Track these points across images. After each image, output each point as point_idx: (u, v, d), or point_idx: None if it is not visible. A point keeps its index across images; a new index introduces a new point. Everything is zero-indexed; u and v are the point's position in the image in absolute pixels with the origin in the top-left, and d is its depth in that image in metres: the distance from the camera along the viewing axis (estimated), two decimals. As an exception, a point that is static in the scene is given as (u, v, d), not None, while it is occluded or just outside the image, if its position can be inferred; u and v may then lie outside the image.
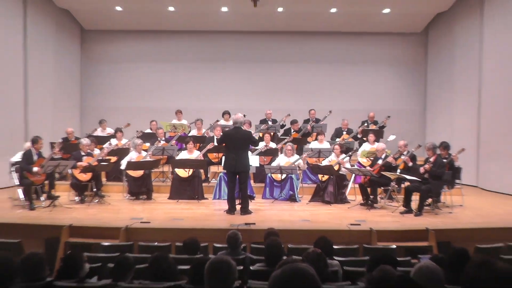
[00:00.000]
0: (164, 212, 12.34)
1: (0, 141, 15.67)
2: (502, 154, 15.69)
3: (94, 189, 13.59)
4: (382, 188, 13.52)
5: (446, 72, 19.67)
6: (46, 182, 13.12)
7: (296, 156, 14.68)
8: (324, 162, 14.30)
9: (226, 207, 12.17)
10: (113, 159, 14.98)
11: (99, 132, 17.38)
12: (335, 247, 7.80)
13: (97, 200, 13.48)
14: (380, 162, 13.13)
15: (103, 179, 14.84)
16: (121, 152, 15.11)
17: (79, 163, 13.33)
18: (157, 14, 20.53)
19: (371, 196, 13.16)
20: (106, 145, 15.20)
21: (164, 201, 13.85)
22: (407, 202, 12.29)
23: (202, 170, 14.86)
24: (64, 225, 10.30)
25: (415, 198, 12.29)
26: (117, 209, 12.74)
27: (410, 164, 12.78)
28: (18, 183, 13.10)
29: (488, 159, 16.52)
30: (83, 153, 13.70)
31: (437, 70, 20.68)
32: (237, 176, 11.97)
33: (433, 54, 21.24)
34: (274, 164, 14.52)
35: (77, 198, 13.62)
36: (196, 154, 14.57)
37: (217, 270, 4.67)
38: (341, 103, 20.84)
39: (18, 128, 16.98)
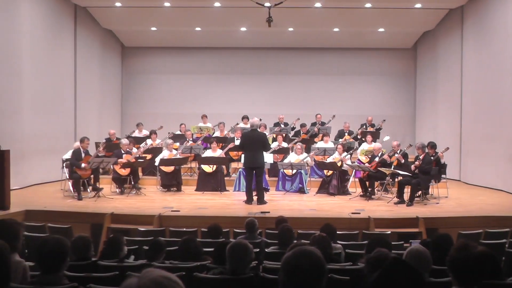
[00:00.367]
0: (191, 202, 12.37)
1: (54, 141, 15.74)
2: (480, 152, 15.57)
3: (132, 182, 13.64)
4: (379, 181, 13.49)
5: (432, 82, 19.54)
6: (92, 176, 13.16)
7: (305, 154, 14.64)
8: (329, 159, 14.26)
9: (244, 198, 12.16)
10: (148, 156, 15.01)
11: (136, 134, 17.41)
12: (338, 232, 7.77)
13: (134, 192, 13.51)
14: (377, 159, 13.09)
15: (140, 174, 14.85)
16: (155, 151, 15.12)
17: (119, 160, 13.38)
18: (186, 33, 20.56)
19: (369, 189, 13.11)
20: (142, 145, 15.23)
21: (192, 193, 13.85)
22: (400, 194, 12.24)
23: (224, 166, 14.87)
24: (107, 213, 10.36)
25: (407, 190, 12.24)
26: (151, 200, 12.78)
27: (403, 161, 12.74)
28: (68, 177, 13.20)
29: (469, 157, 16.40)
30: (123, 152, 13.75)
31: (424, 81, 20.55)
32: (254, 171, 11.97)
33: (421, 67, 21.10)
34: (286, 161, 14.49)
35: (117, 190, 13.68)
36: (219, 153, 14.57)
37: (237, 251, 4.67)
38: (343, 109, 20.73)
39: (68, 130, 17.04)
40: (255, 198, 12.00)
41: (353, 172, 14.49)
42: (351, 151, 14.65)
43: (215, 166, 14.06)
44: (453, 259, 3.23)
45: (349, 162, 13.96)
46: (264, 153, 12.34)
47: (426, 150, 12.25)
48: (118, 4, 17.19)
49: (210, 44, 21.61)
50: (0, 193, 10.40)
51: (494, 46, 14.85)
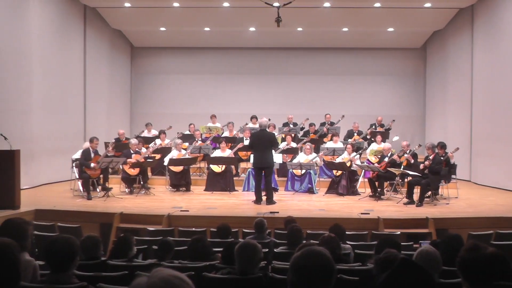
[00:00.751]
0: (200, 202, 12.37)
1: (63, 141, 15.80)
2: (490, 152, 15.49)
3: (141, 182, 13.67)
4: (388, 182, 13.44)
5: (442, 82, 19.47)
6: (101, 176, 13.21)
7: (314, 154, 14.62)
8: (338, 160, 14.23)
9: (253, 198, 12.16)
10: (158, 156, 15.05)
11: (145, 134, 17.45)
12: (347, 233, 7.75)
13: (143, 192, 13.54)
14: (386, 159, 13.07)
15: (149, 174, 14.89)
16: (164, 151, 15.15)
17: (129, 160, 13.42)
18: (195, 33, 20.60)
19: (379, 189, 13.07)
20: (151, 145, 15.26)
21: (201, 193, 13.87)
22: (409, 194, 12.19)
23: (233, 166, 14.90)
24: (116, 213, 10.37)
25: (417, 191, 12.18)
26: (160, 199, 12.80)
27: (412, 161, 12.69)
28: (78, 177, 13.23)
29: (479, 157, 16.32)
30: (132, 151, 13.78)
31: (434, 80, 20.48)
32: (263, 171, 11.96)
33: (431, 67, 21.03)
34: (295, 161, 14.47)
35: (127, 190, 13.71)
36: (228, 152, 14.58)
37: (245, 251, 4.67)
38: (352, 109, 20.71)
39: (78, 130, 17.13)
40: (264, 198, 12.00)
41: (363, 172, 14.45)
42: (360, 151, 14.61)
43: (224, 166, 14.07)
44: (463, 260, 3.21)
45: (358, 162, 13.93)
46: (273, 153, 12.34)
47: (436, 150, 12.19)
48: (127, 4, 17.25)
49: (219, 44, 21.64)
50: (10, 192, 10.45)
51: (504, 46, 14.78)
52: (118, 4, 17.45)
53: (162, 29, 20.06)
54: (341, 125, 18.17)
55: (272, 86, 21.94)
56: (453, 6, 17.45)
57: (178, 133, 16.47)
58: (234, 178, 14.50)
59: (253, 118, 18.12)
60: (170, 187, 14.32)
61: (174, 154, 14.42)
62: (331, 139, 16.35)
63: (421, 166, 12.04)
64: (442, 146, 12.61)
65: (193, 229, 9.24)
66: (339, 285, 5.09)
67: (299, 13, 17.33)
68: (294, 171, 14.20)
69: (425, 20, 18.40)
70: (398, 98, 21.77)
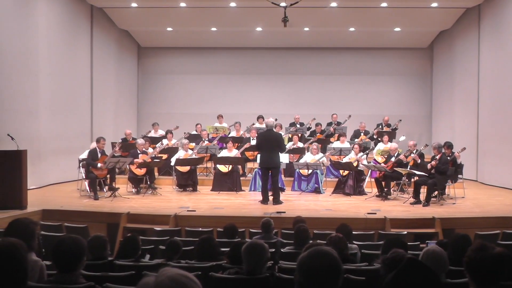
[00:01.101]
0: (207, 202, 12.38)
1: (70, 141, 15.84)
2: (497, 152, 15.43)
3: (148, 182, 13.68)
4: (395, 182, 13.41)
5: (449, 82, 19.43)
6: (108, 176, 13.23)
7: (321, 154, 14.61)
8: (345, 159, 14.22)
9: (260, 198, 12.16)
10: (164, 156, 15.08)
11: (152, 134, 17.47)
12: (354, 232, 7.74)
13: (150, 192, 13.56)
14: (393, 159, 13.05)
15: (156, 174, 14.91)
16: (171, 151, 15.18)
17: (135, 160, 13.43)
18: (202, 33, 20.62)
19: (385, 189, 13.05)
20: (158, 145, 15.29)
21: (207, 193, 13.88)
22: (416, 194, 12.16)
23: (240, 166, 14.90)
24: (123, 213, 10.39)
25: (423, 191, 12.15)
26: (167, 199, 12.82)
27: (419, 161, 12.67)
28: (85, 177, 13.26)
29: (486, 157, 16.26)
30: (139, 151, 13.79)
31: (441, 80, 20.43)
32: (270, 171, 11.97)
33: (438, 67, 20.99)
34: (301, 161, 14.46)
35: (134, 190, 13.73)
36: (234, 152, 14.58)
37: (252, 252, 4.67)
38: (359, 109, 20.69)
39: (85, 130, 17.18)
40: (271, 198, 12.01)
41: (369, 172, 14.43)
42: (367, 151, 14.60)
43: (231, 166, 14.07)
44: (470, 260, 3.21)
45: (365, 162, 13.92)
46: (281, 153, 12.35)
47: (443, 150, 12.17)
48: (134, 4, 17.28)
49: (225, 44, 21.66)
50: (17, 192, 10.50)
51: (511, 45, 14.73)
52: (125, 4, 17.48)
53: (169, 29, 20.08)
54: (348, 125, 18.16)
55: (278, 86, 21.94)
56: (460, 5, 17.39)
57: (185, 133, 16.48)
58: (241, 178, 14.49)
59: (260, 118, 18.12)
60: (177, 187, 14.33)
61: (181, 154, 14.44)
62: (338, 139, 16.33)
63: (428, 166, 12.00)
64: (449, 146, 12.58)
65: (200, 229, 9.25)
66: (346, 285, 5.09)
67: (306, 13, 17.32)
68: (301, 171, 14.20)
69: (432, 19, 18.35)
70: (404, 98, 21.73)
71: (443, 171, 11.83)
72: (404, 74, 21.88)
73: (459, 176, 13.34)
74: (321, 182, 14.08)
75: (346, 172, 13.78)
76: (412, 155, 12.85)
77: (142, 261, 6.05)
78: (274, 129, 12.35)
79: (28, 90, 13.83)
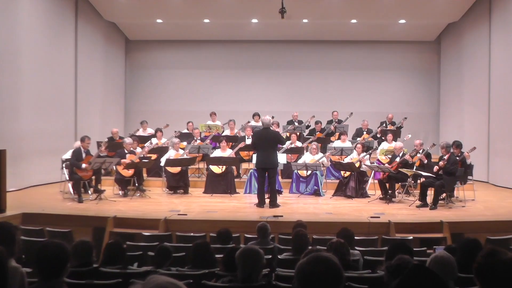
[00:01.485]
0: (199, 205, 12.38)
1: (53, 140, 15.80)
2: (509, 152, 15.45)
3: (136, 184, 13.66)
4: (400, 183, 13.41)
5: (457, 77, 19.46)
6: (93, 177, 13.20)
7: (320, 154, 14.62)
8: (346, 160, 14.22)
9: (256, 200, 12.17)
10: (154, 156, 15.06)
11: (140, 132, 17.46)
12: (356, 237, 7.75)
13: (138, 194, 13.53)
14: (397, 159, 13.04)
15: (144, 175, 14.87)
16: (161, 150, 15.17)
17: (123, 160, 13.41)
18: (194, 25, 20.60)
19: (390, 191, 13.06)
20: (147, 144, 15.27)
21: (200, 195, 13.87)
22: (422, 197, 12.18)
23: (234, 167, 14.88)
24: (109, 216, 10.39)
25: (430, 193, 12.17)
26: (157, 202, 12.81)
27: (425, 161, 12.68)
28: (68, 178, 13.26)
29: (497, 157, 16.29)
30: (126, 151, 13.76)
31: (449, 76, 20.47)
32: (266, 172, 11.96)
33: (446, 61, 21.02)
34: (300, 161, 14.46)
35: (121, 192, 13.70)
36: (228, 152, 14.58)
37: (248, 258, 4.67)
38: (361, 106, 20.72)
39: (69, 129, 17.13)
40: (267, 201, 12.00)
41: (372, 173, 14.44)
42: (370, 151, 14.62)
43: (224, 167, 14.06)
44: (480, 266, 3.20)
45: (368, 162, 13.91)
46: (278, 153, 12.34)
47: (451, 150, 12.17)
48: (121, -6, 17.28)
49: (219, 37, 21.64)
50: (-5, 195, 10.47)
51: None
52: (111, -5, 17.49)
53: (159, 21, 20.04)
54: (350, 123, 18.14)
55: (276, 81, 21.95)
56: (469, -4, 17.45)
57: (175, 131, 16.45)
58: (236, 180, 14.47)
59: (256, 115, 18.12)
60: (167, 189, 14.30)
61: (171, 154, 14.41)
62: (339, 138, 16.36)
63: (435, 166, 12.02)
64: (458, 145, 12.59)
65: (192, 234, 9.24)
66: (348, 294, 5.09)
67: (305, 4, 17.34)
68: (299, 172, 14.19)
69: (439, 11, 18.36)
70: (410, 95, 21.76)
71: (451, 172, 11.84)
72: (410, 69, 21.91)
73: (469, 177, 13.35)
74: (321, 184, 14.08)
75: (348, 173, 13.77)
76: (418, 155, 12.85)
77: (129, 268, 6.04)
78: (271, 128, 12.36)
79: (8, 87, 13.79)
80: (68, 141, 16.13)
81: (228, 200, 13.15)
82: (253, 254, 4.70)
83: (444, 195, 12.35)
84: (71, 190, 13.09)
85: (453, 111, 19.99)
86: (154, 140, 16.00)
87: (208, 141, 16.21)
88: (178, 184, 14.16)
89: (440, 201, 12.11)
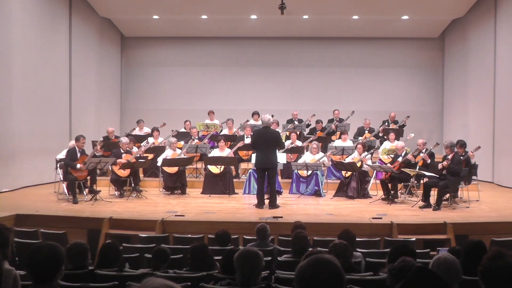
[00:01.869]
0: (197, 206, 12.39)
1: (47, 139, 15.80)
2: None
3: (133, 184, 13.66)
4: (402, 183, 13.41)
5: (462, 75, 19.45)
6: (89, 177, 13.21)
7: (321, 154, 14.62)
8: (348, 159, 14.22)
9: (255, 201, 12.17)
10: (150, 156, 15.06)
11: (137, 132, 17.46)
12: (357, 239, 7.75)
13: (135, 195, 13.53)
14: (400, 159, 13.04)
15: (141, 175, 14.90)
16: (158, 150, 15.17)
17: (118, 160, 13.40)
18: (191, 21, 20.58)
19: (392, 192, 13.06)
20: (143, 143, 15.22)
21: (197, 196, 13.87)
22: (426, 197, 12.19)
23: (233, 167, 14.90)
24: (105, 218, 10.39)
25: (434, 193, 12.17)
26: (153, 203, 12.81)
27: (429, 161, 12.69)
28: (63, 179, 13.24)
29: (503, 156, 16.28)
30: (122, 151, 13.76)
31: (453, 73, 20.47)
32: (266, 172, 11.96)
33: (450, 58, 21.02)
34: (300, 161, 14.46)
35: (116, 193, 13.70)
36: (227, 152, 14.58)
37: (247, 260, 4.66)
38: (363, 104, 20.71)
39: (63, 128, 17.11)
40: (266, 201, 12.01)
41: (374, 173, 14.45)
42: (372, 150, 14.60)
43: (223, 167, 14.05)
44: (485, 269, 3.20)
45: (369, 162, 13.92)
46: (277, 152, 12.34)
47: (455, 149, 12.18)
48: (117, -10, 17.27)
49: (217, 33, 21.62)
50: (-12, 196, 10.49)
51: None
52: (106, -10, 17.48)
53: (155, 17, 20.04)
54: (351, 122, 18.14)
55: (275, 79, 21.94)
56: (474, -9, 17.46)
57: (172, 130, 16.43)
58: (234, 180, 14.49)
59: (255, 114, 18.12)
60: (164, 190, 14.30)
61: (168, 153, 14.42)
62: (340, 137, 16.36)
63: (439, 166, 12.01)
64: (462, 144, 12.59)
65: (190, 235, 9.25)
66: (349, 297, 5.09)
67: (305, -1, 17.34)
68: (300, 172, 14.20)
69: (444, 7, 18.36)
70: (413, 93, 21.75)
71: (455, 172, 11.83)
72: (413, 66, 21.90)
73: (473, 177, 13.35)
74: (322, 184, 14.08)
75: (349, 173, 13.78)
76: (422, 154, 12.86)
77: (125, 270, 6.04)
78: (271, 127, 12.36)
79: (1, 85, 13.78)
80: (63, 140, 16.12)
81: (227, 201, 13.14)
82: (252, 256, 4.69)
83: (448, 195, 12.34)
84: (66, 191, 13.06)
85: (457, 110, 19.98)
86: (150, 140, 15.96)
87: (206, 140, 16.19)
88: (175, 184, 14.16)
89: (443, 202, 12.12)
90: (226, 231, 7.98)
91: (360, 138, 17.16)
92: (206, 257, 6.21)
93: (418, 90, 21.81)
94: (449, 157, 11.90)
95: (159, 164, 14.25)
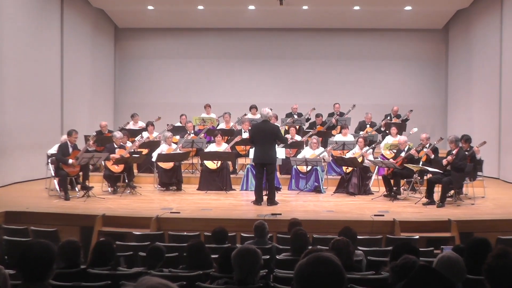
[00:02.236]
0: (193, 202, 12.40)
1: (38, 134, 15.79)
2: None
3: (126, 180, 13.65)
4: (405, 180, 13.43)
5: (467, 67, 19.44)
6: (81, 173, 13.20)
7: (321, 149, 14.61)
8: (348, 155, 14.22)
9: (253, 198, 12.17)
10: (145, 151, 15.05)
11: (131, 126, 17.45)
12: (359, 237, 7.76)
13: (129, 191, 13.55)
14: (403, 154, 13.04)
15: (135, 171, 14.90)
16: (152, 145, 15.16)
17: (112, 155, 13.40)
18: (187, 12, 20.54)
19: (394, 188, 13.05)
20: (138, 138, 15.25)
21: (194, 192, 13.88)
22: (429, 194, 12.18)
23: (230, 162, 14.87)
24: (98, 215, 10.39)
25: (437, 189, 12.17)
26: (148, 200, 12.82)
27: (432, 156, 12.66)
28: (54, 175, 13.22)
29: (509, 152, 16.28)
30: (116, 146, 13.77)
31: (458, 66, 20.46)
32: (265, 168, 11.95)
33: (454, 50, 21.01)
34: (299, 156, 14.45)
35: (110, 189, 13.71)
36: (224, 147, 14.58)
37: (244, 259, 4.66)
38: (364, 98, 20.69)
39: (54, 122, 17.09)
40: (265, 198, 12.01)
41: (376, 169, 14.45)
42: (373, 145, 14.59)
43: (219, 162, 14.06)
44: (490, 267, 3.20)
45: (371, 157, 13.92)
46: (276, 147, 12.34)
47: (460, 144, 12.17)
48: (110, -21, 17.23)
49: (214, 25, 21.58)
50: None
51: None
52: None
53: (150, 7, 19.98)
54: (352, 116, 18.13)
55: (274, 72, 21.91)
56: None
57: (168, 125, 16.43)
58: (231, 176, 14.48)
59: (253, 108, 18.11)
60: (159, 186, 14.31)
61: (163, 148, 14.41)
62: (341, 132, 16.34)
63: (443, 161, 12.00)
64: (467, 139, 12.60)
65: (185, 233, 9.25)
66: (350, 296, 5.10)
67: (305, -11, 17.31)
68: (299, 167, 14.20)
69: (448, -3, 18.37)
70: (416, 86, 21.73)
71: (460, 168, 11.82)
72: (416, 59, 21.88)
73: (479, 173, 13.37)
74: (322, 180, 14.09)
75: (350, 168, 13.78)
76: (425, 149, 12.84)
77: (119, 269, 6.03)
78: (270, 121, 12.34)
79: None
80: (54, 135, 16.11)
81: (224, 197, 13.16)
82: (250, 254, 4.70)
83: (452, 192, 12.35)
84: (57, 187, 13.06)
85: (462, 103, 19.98)
86: (145, 134, 15.98)
87: (202, 135, 16.20)
88: (170, 180, 14.14)
89: (448, 199, 12.12)
90: (223, 228, 7.98)
91: (361, 132, 17.17)
92: (203, 255, 6.21)
93: (421, 83, 21.80)
94: (454, 152, 11.88)
95: (154, 159, 14.23)
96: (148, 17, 21.02)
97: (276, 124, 14.43)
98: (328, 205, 12.28)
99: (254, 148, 12.33)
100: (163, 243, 8.16)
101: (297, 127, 16.92)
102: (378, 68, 21.76)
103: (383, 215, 10.56)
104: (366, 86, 21.50)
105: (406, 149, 13.16)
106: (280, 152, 13.88)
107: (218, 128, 17.01)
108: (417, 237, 9.19)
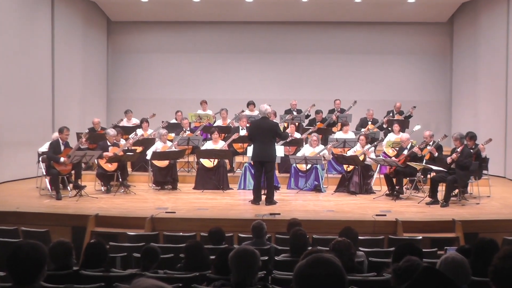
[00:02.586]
0: (189, 202, 12.41)
1: (28, 131, 15.77)
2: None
3: (120, 179, 13.64)
4: (408, 178, 13.43)
5: (472, 62, 19.43)
6: (73, 172, 13.18)
7: (321, 146, 14.62)
8: (349, 152, 14.23)
9: (251, 197, 12.18)
10: (139, 149, 15.05)
11: (124, 123, 17.44)
12: (360, 237, 7.77)
13: (122, 190, 13.54)
14: (405, 152, 13.04)
15: (129, 169, 14.89)
16: (147, 142, 15.15)
17: (105, 153, 13.38)
18: (182, 5, 20.50)
19: (397, 187, 13.08)
20: (131, 135, 15.23)
21: (189, 191, 13.89)
22: (433, 193, 12.19)
23: (227, 160, 14.88)
24: (90, 215, 10.40)
25: (442, 188, 12.18)
26: (142, 199, 12.83)
27: (436, 154, 12.67)
28: (45, 173, 13.19)
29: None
30: (109, 143, 13.75)
31: (463, 60, 20.45)
32: (263, 166, 11.95)
33: (459, 44, 20.99)
34: (299, 154, 14.47)
35: (103, 188, 13.70)
36: (221, 144, 14.57)
37: (242, 260, 4.67)
38: (366, 93, 20.68)
39: (45, 119, 17.06)
40: (263, 197, 12.01)
41: (378, 167, 14.46)
42: (375, 143, 14.61)
43: (216, 160, 14.06)
44: (497, 269, 3.19)
45: (373, 155, 13.94)
46: (276, 145, 12.34)
47: (465, 142, 12.17)
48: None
49: (210, 18, 21.55)
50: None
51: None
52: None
53: (144, 0, 19.97)
54: (353, 113, 18.16)
55: (272, 67, 21.89)
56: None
57: (163, 121, 16.44)
58: (228, 174, 14.49)
59: (250, 104, 18.10)
60: (154, 185, 14.31)
61: (158, 146, 14.40)
62: (341, 129, 16.33)
63: (447, 159, 12.01)
64: (471, 137, 12.61)
65: (181, 233, 9.27)
66: (351, 299, 5.11)
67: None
68: (298, 166, 14.20)
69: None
70: (420, 81, 21.73)
71: (465, 166, 11.83)
72: (420, 53, 21.87)
73: (484, 171, 13.37)
74: (322, 179, 14.09)
75: (351, 167, 13.79)
76: (429, 147, 12.86)
77: (112, 271, 6.04)
78: (269, 117, 12.33)
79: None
80: (45, 132, 16.10)
81: (220, 197, 13.16)
82: (248, 255, 4.70)
83: (456, 191, 12.35)
84: (48, 186, 13.03)
85: (467, 99, 19.97)
86: (139, 131, 15.95)
87: (199, 132, 16.19)
88: (165, 179, 14.15)
89: (452, 198, 12.12)
90: (220, 228, 7.99)
91: (362, 129, 17.18)
92: (202, 256, 6.22)
93: (425, 78, 21.78)
94: (458, 150, 11.90)
95: (148, 157, 14.21)
96: (142, 10, 20.93)
97: (275, 121, 14.43)
98: (328, 204, 12.29)
99: (252, 145, 12.34)
100: (158, 244, 8.18)
101: (297, 124, 16.90)
102: (380, 63, 21.74)
103: (385, 215, 10.58)
104: (368, 82, 21.47)
105: (409, 147, 13.16)
106: (279, 150, 13.88)
107: (214, 125, 16.99)
108: (420, 237, 9.21)
